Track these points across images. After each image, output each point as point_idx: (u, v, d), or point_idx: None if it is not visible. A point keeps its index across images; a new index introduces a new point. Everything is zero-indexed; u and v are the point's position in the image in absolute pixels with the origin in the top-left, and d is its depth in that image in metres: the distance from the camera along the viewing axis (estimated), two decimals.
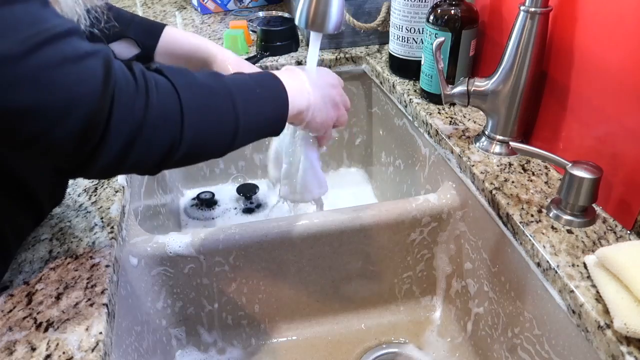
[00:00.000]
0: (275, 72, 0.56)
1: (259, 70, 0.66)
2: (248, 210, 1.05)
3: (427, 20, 0.77)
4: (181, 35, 0.70)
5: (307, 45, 1.06)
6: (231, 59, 0.68)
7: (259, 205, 1.07)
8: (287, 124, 0.55)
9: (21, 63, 0.34)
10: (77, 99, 0.36)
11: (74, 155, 0.39)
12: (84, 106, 0.37)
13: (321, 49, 0.92)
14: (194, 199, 1.08)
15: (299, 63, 1.00)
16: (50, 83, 0.35)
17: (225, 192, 1.10)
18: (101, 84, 0.38)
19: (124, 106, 0.39)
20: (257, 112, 0.51)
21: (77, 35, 0.38)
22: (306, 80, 0.58)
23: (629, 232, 0.55)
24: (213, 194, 1.08)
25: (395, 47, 0.89)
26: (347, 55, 1.02)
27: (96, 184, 0.66)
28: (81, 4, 0.48)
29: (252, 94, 0.50)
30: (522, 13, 0.61)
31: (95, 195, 0.65)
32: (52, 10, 0.38)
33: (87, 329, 0.47)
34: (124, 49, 0.67)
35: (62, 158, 0.39)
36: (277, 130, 0.55)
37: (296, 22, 0.61)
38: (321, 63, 1.00)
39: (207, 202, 1.06)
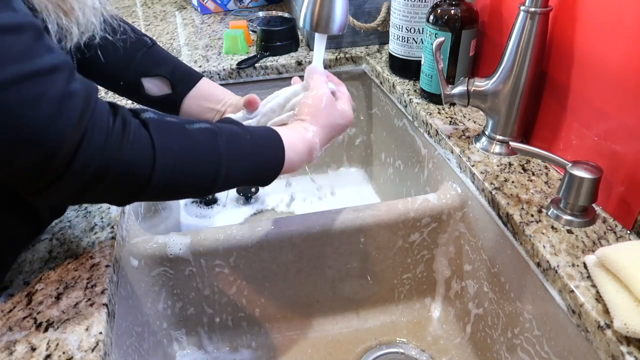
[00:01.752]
0: (284, 131, 0.55)
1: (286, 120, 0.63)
2: (248, 210, 1.06)
3: (427, 20, 0.77)
4: (214, 87, 0.70)
5: (308, 45, 1.06)
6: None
7: (259, 207, 1.07)
8: None
9: None
10: (44, 137, 0.36)
11: (34, 183, 0.39)
12: (49, 144, 0.37)
13: None
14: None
15: (299, 63, 1.00)
16: (21, 119, 0.35)
17: (226, 191, 1.10)
18: (74, 125, 0.37)
19: (91, 151, 0.39)
20: (241, 178, 0.50)
21: (65, 71, 0.38)
22: (314, 135, 0.56)
23: (629, 232, 0.55)
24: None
25: (395, 47, 0.89)
26: (347, 55, 1.02)
27: None
28: (98, 13, 0.48)
29: (243, 162, 0.50)
30: (522, 13, 0.61)
31: None
32: (46, 43, 0.38)
33: (87, 329, 0.47)
34: (155, 86, 0.67)
35: (23, 184, 0.40)
36: (261, 185, 0.55)
37: (300, 25, 0.61)
38: None
39: (207, 201, 1.06)
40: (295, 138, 0.55)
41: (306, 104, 0.58)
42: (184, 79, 0.68)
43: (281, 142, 0.53)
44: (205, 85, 0.69)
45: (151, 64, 0.66)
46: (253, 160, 0.50)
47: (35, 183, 0.39)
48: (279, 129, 0.54)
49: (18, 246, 0.56)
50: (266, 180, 0.53)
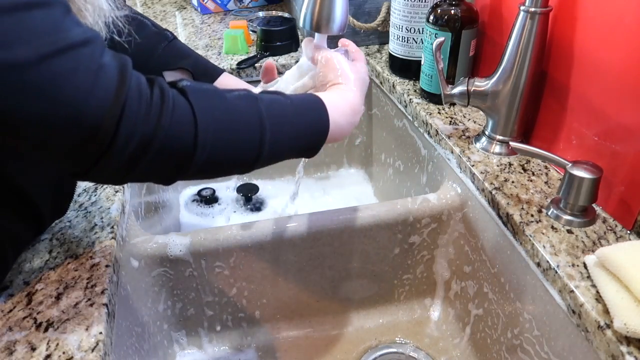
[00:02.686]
0: (324, 94, 0.53)
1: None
2: (248, 210, 1.05)
3: (427, 20, 0.77)
4: (235, 83, 0.70)
5: None
6: None
7: (259, 207, 1.07)
8: None
9: (32, 70, 0.34)
10: (85, 110, 0.36)
11: (80, 161, 0.39)
12: (91, 118, 0.36)
13: None
14: (194, 195, 1.08)
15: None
16: (59, 94, 0.35)
17: (226, 191, 1.10)
18: (112, 97, 0.37)
19: (133, 122, 0.38)
20: (288, 144, 0.49)
21: (97, 44, 0.38)
22: (354, 95, 0.55)
23: (629, 232, 0.55)
24: (214, 191, 1.08)
25: (395, 47, 0.89)
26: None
27: (96, 184, 0.66)
28: (106, 14, 0.48)
29: (286, 125, 0.48)
30: (522, 13, 0.61)
31: (95, 195, 0.65)
32: (74, 18, 0.38)
33: (87, 329, 0.47)
34: (178, 78, 0.67)
35: (69, 162, 0.39)
36: (309, 155, 0.52)
37: (300, 25, 0.61)
38: None
39: (207, 199, 1.06)
40: (337, 99, 0.53)
41: (330, 68, 0.57)
42: (206, 72, 0.68)
43: (323, 103, 0.51)
44: (227, 80, 0.69)
45: (173, 57, 0.66)
46: (298, 124, 0.49)
47: (81, 162, 0.38)
48: (318, 94, 0.53)
49: (19, 246, 0.56)
50: (314, 147, 0.51)
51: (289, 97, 0.51)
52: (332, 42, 0.65)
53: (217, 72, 0.70)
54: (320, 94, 0.53)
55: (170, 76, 0.67)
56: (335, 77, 0.56)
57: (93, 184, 0.66)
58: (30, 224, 0.55)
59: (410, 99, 0.84)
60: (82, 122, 0.36)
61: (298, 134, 0.49)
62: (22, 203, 0.51)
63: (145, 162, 0.40)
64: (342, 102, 0.54)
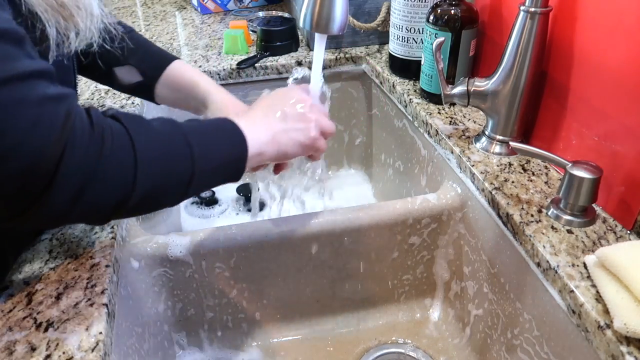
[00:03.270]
0: (233, 117, 0.54)
1: (243, 105, 0.67)
2: (248, 210, 1.06)
3: (427, 20, 0.77)
4: (186, 71, 0.70)
5: (308, 45, 1.06)
6: (226, 98, 0.69)
7: (259, 207, 1.07)
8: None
9: None
10: (26, 143, 0.35)
11: (16, 200, 0.37)
12: (32, 151, 0.35)
13: None
14: (194, 197, 1.08)
15: (299, 63, 1.00)
16: (3, 124, 0.34)
17: (226, 191, 1.10)
18: (58, 130, 0.36)
19: (76, 154, 0.37)
20: (214, 156, 0.49)
21: (46, 78, 0.38)
22: (265, 119, 0.56)
23: (629, 232, 0.55)
24: (213, 192, 1.08)
25: (395, 47, 0.89)
26: (347, 55, 1.02)
27: None
28: (97, 20, 0.48)
29: (208, 137, 0.49)
30: (522, 13, 0.61)
31: None
32: (27, 50, 0.37)
33: (87, 329, 0.47)
34: (127, 74, 0.67)
35: (2, 203, 0.37)
36: (236, 175, 0.52)
37: (300, 25, 0.61)
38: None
39: (207, 201, 1.06)
40: (251, 122, 0.54)
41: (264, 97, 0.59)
42: (153, 64, 0.68)
43: (235, 124, 0.52)
44: (175, 72, 0.69)
45: (126, 52, 0.66)
46: (218, 136, 0.50)
47: (20, 199, 0.37)
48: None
49: (19, 246, 0.56)
50: (238, 168, 0.51)
51: (201, 120, 0.52)
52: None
53: (167, 61, 0.69)
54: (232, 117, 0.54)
55: (119, 71, 0.67)
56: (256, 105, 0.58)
57: None
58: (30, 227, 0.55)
59: (410, 99, 0.84)
60: (23, 155, 0.35)
61: (222, 144, 0.50)
62: None
63: (89, 194, 0.39)
64: (258, 124, 0.54)
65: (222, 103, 0.67)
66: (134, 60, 0.67)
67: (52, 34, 0.44)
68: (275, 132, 0.55)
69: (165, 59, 0.70)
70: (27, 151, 0.35)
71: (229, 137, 0.51)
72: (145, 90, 0.69)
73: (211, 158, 0.48)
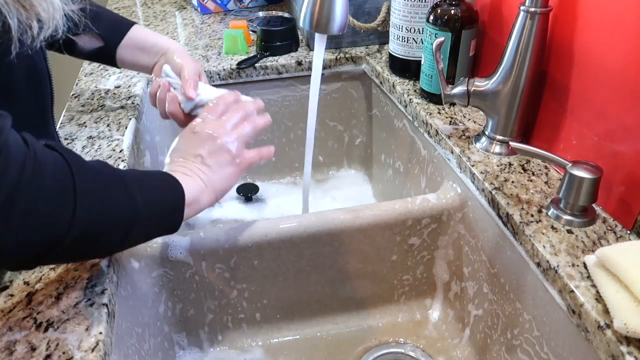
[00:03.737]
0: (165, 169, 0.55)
1: (194, 61, 0.70)
2: (248, 210, 1.05)
3: (427, 20, 0.77)
4: (147, 33, 0.73)
5: (308, 45, 1.06)
6: (179, 50, 0.72)
7: (259, 207, 1.07)
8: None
9: None
10: None
11: None
12: None
13: None
14: None
15: (299, 63, 1.00)
16: None
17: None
18: None
19: (10, 170, 0.36)
20: (153, 198, 0.49)
21: None
22: (195, 168, 0.56)
23: (629, 232, 0.55)
24: None
25: (395, 47, 0.89)
26: (347, 55, 1.02)
27: None
28: (59, 9, 0.47)
29: (145, 181, 0.49)
30: (522, 13, 0.61)
31: None
32: None
33: (87, 329, 0.47)
34: (88, 42, 0.68)
35: None
36: (175, 223, 0.52)
37: (300, 25, 0.61)
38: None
39: None
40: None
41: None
42: (114, 30, 0.70)
43: (171, 175, 0.53)
44: (136, 34, 0.71)
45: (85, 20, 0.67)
46: (153, 183, 0.50)
47: None
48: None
49: None
50: (175, 216, 0.51)
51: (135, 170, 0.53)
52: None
53: (126, 27, 0.71)
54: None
55: (79, 39, 0.68)
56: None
57: None
58: None
59: (410, 99, 0.84)
60: None
61: (159, 189, 0.50)
62: None
63: (19, 220, 0.37)
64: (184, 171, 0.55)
65: (179, 52, 0.71)
66: (95, 27, 0.68)
67: (13, 26, 0.42)
68: (205, 180, 0.55)
69: (124, 24, 0.72)
70: None
71: (166, 180, 0.52)
72: (105, 55, 0.72)
73: (149, 199, 0.48)
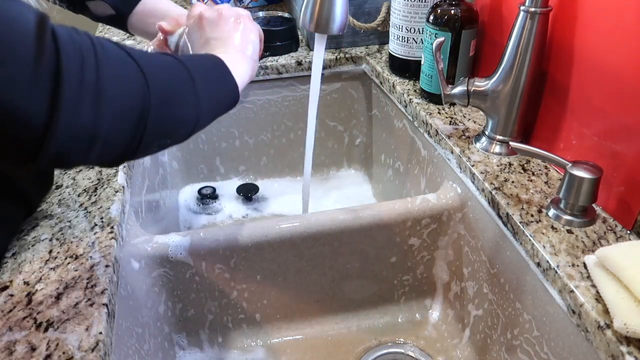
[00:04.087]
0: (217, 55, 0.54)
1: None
2: (248, 210, 1.06)
3: (427, 20, 0.77)
4: (158, 4, 0.72)
5: (308, 45, 1.06)
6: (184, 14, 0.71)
7: (259, 207, 1.07)
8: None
9: None
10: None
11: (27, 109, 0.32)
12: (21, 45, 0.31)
13: None
14: (195, 194, 1.08)
15: (299, 63, 1.00)
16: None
17: (227, 189, 1.10)
18: (33, 27, 0.33)
19: (75, 57, 0.34)
20: (214, 88, 0.49)
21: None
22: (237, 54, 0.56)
23: (629, 232, 0.55)
24: (214, 189, 1.08)
25: (395, 47, 0.89)
26: (347, 55, 1.02)
27: (96, 184, 0.66)
28: None
29: (205, 71, 0.49)
30: (522, 13, 0.61)
31: (95, 195, 0.65)
32: None
33: (87, 329, 0.47)
34: (99, 8, 0.68)
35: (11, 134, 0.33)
36: (235, 100, 0.52)
37: (300, 25, 0.61)
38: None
39: (207, 198, 1.06)
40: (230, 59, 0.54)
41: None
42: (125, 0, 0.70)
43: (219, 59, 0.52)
44: (147, 3, 0.71)
45: None
46: (208, 66, 0.50)
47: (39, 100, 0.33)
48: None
49: (10, 229, 0.55)
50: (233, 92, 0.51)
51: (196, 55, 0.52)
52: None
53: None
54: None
55: (92, 5, 0.68)
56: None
57: (93, 184, 0.66)
58: (16, 203, 0.54)
59: (410, 99, 0.84)
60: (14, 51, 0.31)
61: (213, 73, 0.50)
62: (1, 181, 0.51)
63: (110, 93, 0.36)
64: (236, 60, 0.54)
65: (183, 15, 0.70)
66: None
67: None
68: (248, 59, 0.55)
69: None
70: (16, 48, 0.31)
71: (222, 71, 0.51)
72: (118, 21, 0.72)
73: (212, 86, 0.48)
